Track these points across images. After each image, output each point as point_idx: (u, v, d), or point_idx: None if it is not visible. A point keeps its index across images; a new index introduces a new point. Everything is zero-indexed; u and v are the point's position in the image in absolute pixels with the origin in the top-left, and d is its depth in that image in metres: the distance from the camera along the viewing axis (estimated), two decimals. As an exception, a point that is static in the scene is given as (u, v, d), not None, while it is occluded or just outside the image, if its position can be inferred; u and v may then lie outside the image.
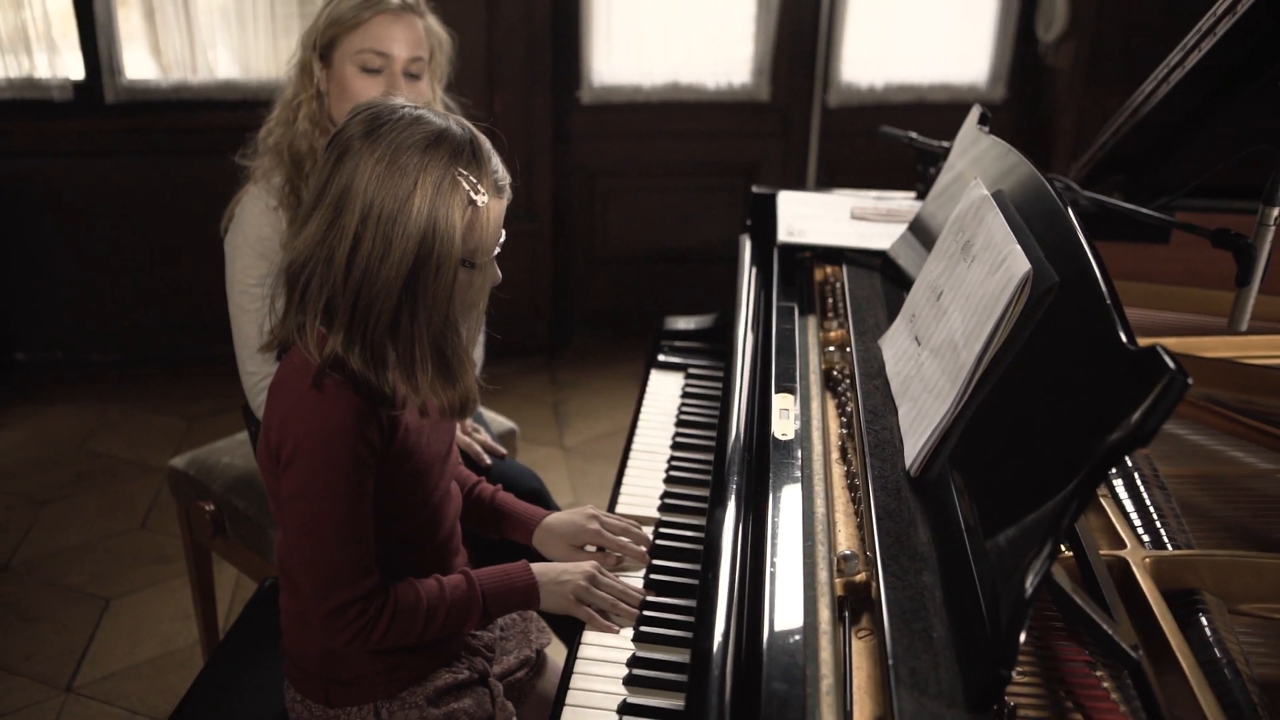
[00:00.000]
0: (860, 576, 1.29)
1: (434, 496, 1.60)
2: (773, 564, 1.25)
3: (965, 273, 1.46)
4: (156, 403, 4.05)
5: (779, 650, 1.12)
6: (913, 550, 1.21)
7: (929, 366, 1.45)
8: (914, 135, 2.37)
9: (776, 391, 1.61)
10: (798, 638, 1.14)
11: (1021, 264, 1.28)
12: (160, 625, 2.88)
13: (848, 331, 1.76)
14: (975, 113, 1.83)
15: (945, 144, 2.31)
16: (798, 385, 1.67)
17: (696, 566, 1.68)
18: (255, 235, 2.08)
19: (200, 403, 4.04)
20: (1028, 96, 4.56)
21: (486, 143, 1.46)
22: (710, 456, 1.98)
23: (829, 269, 2.13)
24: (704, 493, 1.88)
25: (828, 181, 4.55)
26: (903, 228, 2.14)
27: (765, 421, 1.55)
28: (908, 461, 1.36)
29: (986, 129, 1.78)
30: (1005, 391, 1.25)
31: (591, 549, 1.72)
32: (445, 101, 2.17)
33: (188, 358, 4.28)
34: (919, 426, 1.38)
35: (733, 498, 1.45)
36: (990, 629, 1.02)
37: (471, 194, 1.40)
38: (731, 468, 1.52)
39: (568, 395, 4.22)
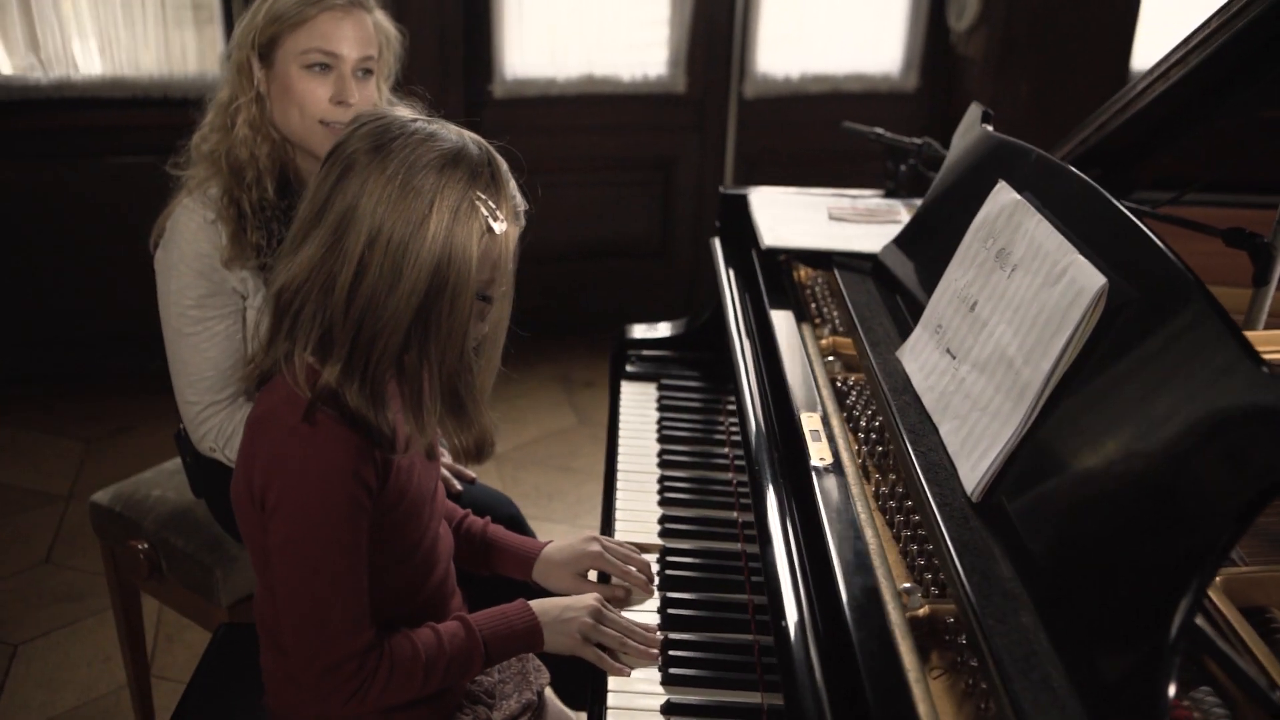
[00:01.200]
0: (923, 610, 1.22)
1: (426, 539, 1.48)
2: (850, 610, 1.16)
3: (1006, 283, 1.39)
4: (50, 424, 3.76)
5: (887, 710, 1.03)
6: (1001, 588, 1.13)
7: (974, 383, 1.37)
8: (881, 131, 2.31)
9: (802, 410, 1.51)
10: (902, 692, 1.05)
11: (1093, 277, 1.21)
12: (78, 671, 2.65)
13: (859, 341, 1.68)
14: (976, 111, 1.76)
15: (915, 140, 2.25)
16: (819, 402, 1.58)
17: (712, 596, 1.59)
18: (193, 252, 1.90)
19: (97, 423, 3.76)
20: (940, 85, 4.57)
21: (504, 164, 1.34)
22: (702, 474, 1.90)
23: (804, 271, 2.05)
24: (704, 514, 1.79)
25: (746, 175, 4.49)
26: (883, 228, 2.07)
27: (797, 445, 1.46)
28: (968, 486, 1.28)
29: (990, 128, 1.72)
30: (1084, 414, 1.18)
31: (593, 576, 1.61)
32: (391, 100, 2.02)
33: (81, 374, 4.00)
34: (974, 448, 1.30)
35: (780, 535, 1.34)
36: (1121, 678, 0.95)
37: (490, 220, 1.27)
38: (769, 500, 1.42)
39: (490, 400, 4.06)
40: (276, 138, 1.91)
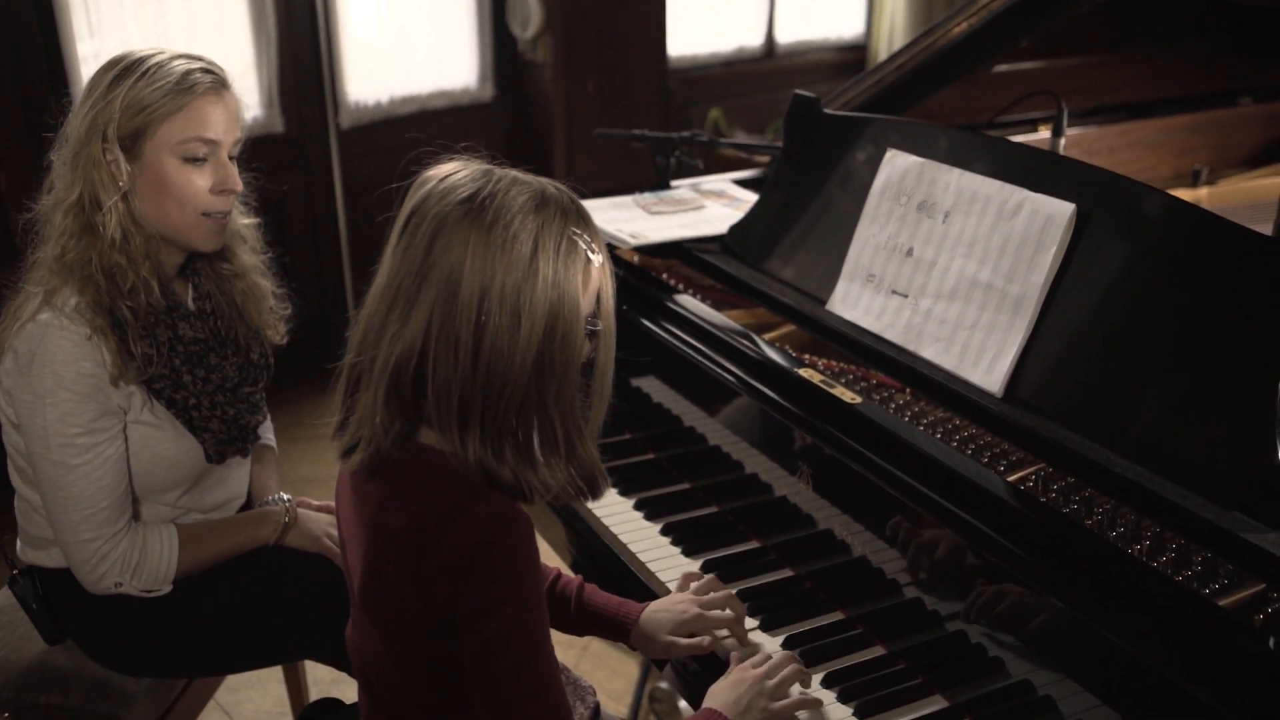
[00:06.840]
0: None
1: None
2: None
3: (943, 228, 1.73)
4: None
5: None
6: (1085, 444, 1.47)
7: (945, 310, 1.69)
8: (639, 131, 2.56)
9: (799, 368, 1.74)
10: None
11: (1058, 205, 1.58)
12: None
13: (778, 304, 1.93)
14: (803, 100, 2.07)
15: (675, 135, 2.53)
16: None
17: (828, 618, 1.68)
18: (73, 374, 1.72)
19: None
20: (514, 92, 4.88)
21: (577, 197, 1.38)
22: (679, 494, 1.98)
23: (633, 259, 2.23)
24: (742, 547, 1.84)
25: (355, 205, 4.49)
26: (697, 213, 2.34)
27: (830, 403, 1.66)
28: (991, 388, 1.60)
29: (825, 109, 2.05)
30: (1083, 307, 1.55)
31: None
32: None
33: None
34: (979, 358, 1.63)
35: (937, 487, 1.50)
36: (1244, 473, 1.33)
37: (589, 252, 1.32)
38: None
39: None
40: (150, 234, 1.78)
